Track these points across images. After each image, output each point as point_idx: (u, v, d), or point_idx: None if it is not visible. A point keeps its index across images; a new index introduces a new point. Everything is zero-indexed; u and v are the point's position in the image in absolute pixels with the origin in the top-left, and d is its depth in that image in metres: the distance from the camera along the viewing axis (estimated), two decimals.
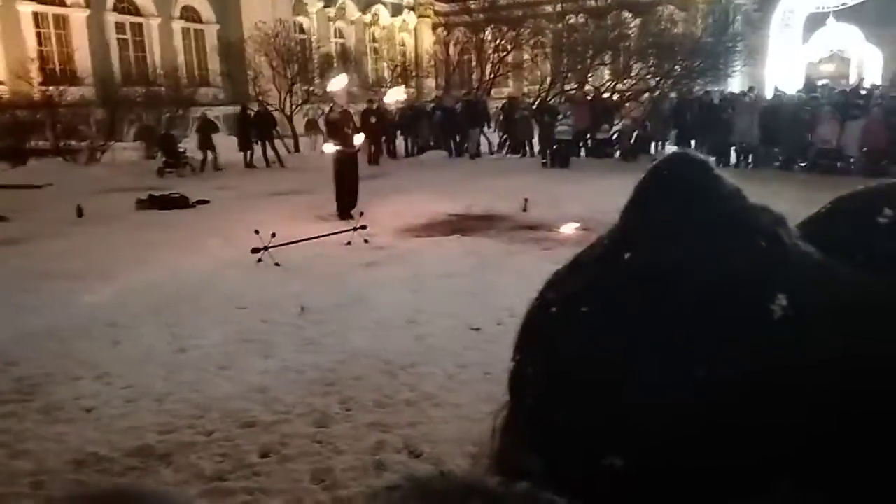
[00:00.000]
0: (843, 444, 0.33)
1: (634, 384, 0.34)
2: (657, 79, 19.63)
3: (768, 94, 16.58)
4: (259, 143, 17.16)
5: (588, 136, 16.75)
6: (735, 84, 20.71)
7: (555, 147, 15.70)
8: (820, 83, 18.85)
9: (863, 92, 15.29)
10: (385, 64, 26.83)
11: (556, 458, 0.36)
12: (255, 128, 17.19)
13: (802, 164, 13.69)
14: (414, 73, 26.36)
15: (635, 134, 16.37)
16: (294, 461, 3.18)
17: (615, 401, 0.34)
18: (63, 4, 20.37)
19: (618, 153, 15.79)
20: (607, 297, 0.37)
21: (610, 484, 0.34)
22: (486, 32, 24.61)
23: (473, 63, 25.66)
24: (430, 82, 27.52)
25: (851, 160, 12.90)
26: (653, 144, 16.22)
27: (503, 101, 19.62)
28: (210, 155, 16.12)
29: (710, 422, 0.33)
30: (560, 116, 16.05)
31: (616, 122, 17.09)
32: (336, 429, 3.51)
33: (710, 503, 0.33)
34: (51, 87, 17.75)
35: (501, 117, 18.65)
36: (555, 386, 0.37)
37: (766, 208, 0.41)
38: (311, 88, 20.59)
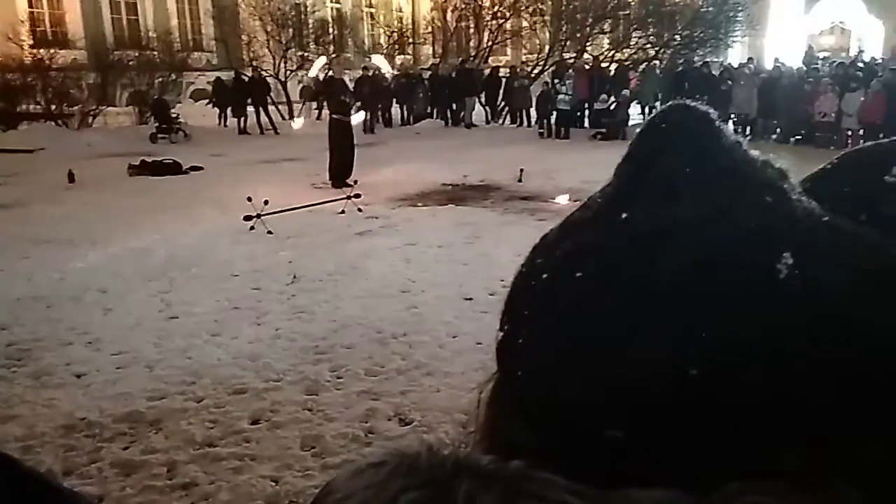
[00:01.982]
0: (854, 414, 0.31)
1: (635, 351, 0.32)
2: (657, 48, 19.42)
3: (768, 65, 16.43)
4: (253, 109, 17.04)
5: (587, 106, 16.61)
6: (735, 55, 20.52)
7: (554, 117, 15.57)
8: (821, 55, 18.69)
9: (860, 64, 15.15)
10: (381, 30, 26.45)
11: (550, 432, 0.34)
12: (249, 94, 17.05)
13: (799, 137, 13.63)
14: (411, 40, 25.99)
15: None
16: (284, 428, 3.19)
17: (615, 370, 0.32)
18: None
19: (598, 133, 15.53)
20: (603, 259, 0.35)
21: (610, 458, 0.32)
22: None
23: (471, 30, 25.29)
24: (427, 49, 27.16)
25: (849, 133, 12.84)
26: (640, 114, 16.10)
27: (500, 69, 19.39)
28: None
29: (714, 388, 0.31)
30: (559, 85, 15.89)
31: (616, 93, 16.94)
32: (326, 396, 3.52)
33: (714, 478, 0.31)
34: (42, 50, 17.47)
35: (503, 87, 18.42)
36: (549, 356, 0.34)
37: (768, 162, 0.39)
38: (306, 54, 20.29)
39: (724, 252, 0.33)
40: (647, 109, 15.88)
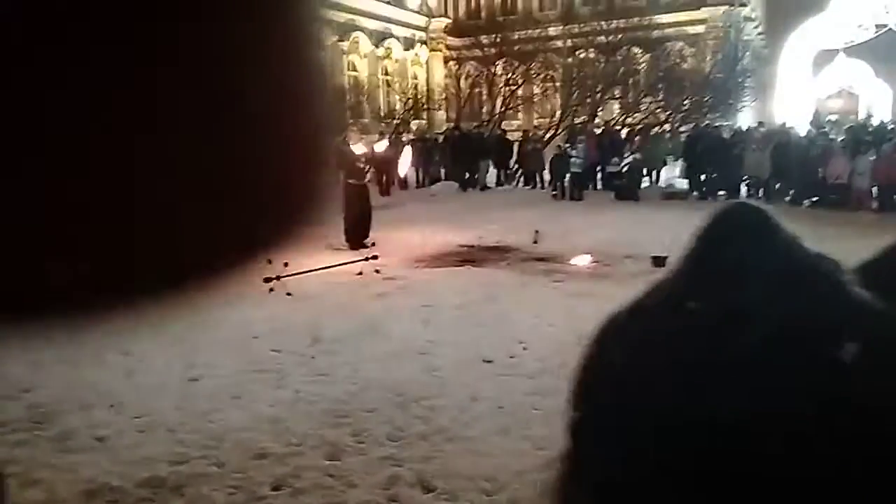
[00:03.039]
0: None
1: (708, 433, 0.34)
2: (667, 112, 19.78)
3: (777, 129, 16.68)
4: None
5: (599, 168, 16.84)
6: (744, 119, 20.83)
7: (567, 180, 15.78)
8: (829, 118, 18.94)
9: (870, 129, 15.34)
10: (397, 97, 27.15)
11: None
12: None
13: (813, 200, 13.69)
14: (426, 106, 26.62)
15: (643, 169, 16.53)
16: (306, 494, 3.15)
17: (697, 452, 0.34)
18: None
19: (613, 193, 15.78)
20: (675, 347, 0.38)
21: None
22: (497, 66, 24.93)
23: (484, 96, 25.92)
24: (442, 115, 27.80)
25: (861, 196, 12.90)
26: (647, 177, 16.36)
27: (513, 133, 19.78)
28: None
29: (786, 461, 0.33)
30: (570, 149, 16.17)
31: (626, 155, 17.20)
32: (349, 462, 3.48)
33: None
34: None
35: (517, 150, 18.78)
36: (626, 439, 0.37)
37: (822, 255, 0.42)
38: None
39: (787, 338, 0.36)
40: (654, 173, 16.09)
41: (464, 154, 18.67)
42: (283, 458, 3.49)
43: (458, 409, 4.12)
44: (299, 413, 4.07)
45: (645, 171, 16.30)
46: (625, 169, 16.55)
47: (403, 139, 19.05)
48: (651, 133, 18.36)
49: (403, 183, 18.67)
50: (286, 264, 6.98)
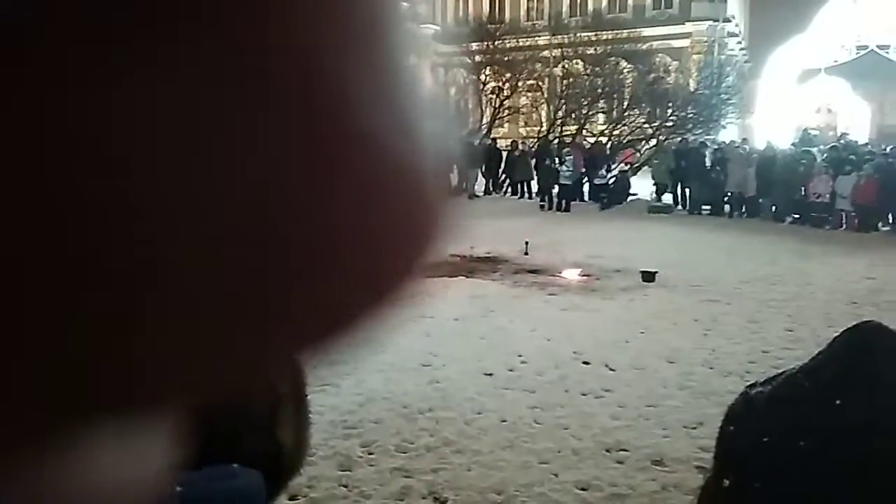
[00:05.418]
0: None
1: None
2: (653, 127, 20.10)
3: (759, 145, 17.03)
4: None
5: (586, 180, 17.08)
6: (728, 134, 21.23)
7: (556, 191, 15.99)
8: (812, 133, 19.35)
9: (847, 148, 15.73)
10: None
11: None
12: None
13: (796, 217, 14.02)
14: None
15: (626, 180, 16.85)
16: None
17: None
18: None
19: (599, 204, 16.14)
20: (824, 436, 0.49)
21: None
22: (485, 75, 25.10)
23: (471, 106, 26.10)
24: None
25: (843, 214, 13.25)
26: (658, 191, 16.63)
27: (500, 142, 19.98)
28: None
29: None
30: (559, 161, 16.39)
31: (613, 167, 17.47)
32: (360, 472, 3.58)
33: None
34: None
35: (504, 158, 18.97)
36: None
37: None
38: None
39: None
40: (658, 188, 16.32)
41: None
42: None
43: (463, 421, 4.23)
44: None
45: (657, 190, 16.67)
46: (612, 182, 16.81)
47: None
48: (654, 145, 18.60)
49: None
50: None
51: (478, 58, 26.74)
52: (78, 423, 0.13)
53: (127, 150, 0.11)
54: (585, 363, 5.31)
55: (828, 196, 13.32)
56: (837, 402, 0.50)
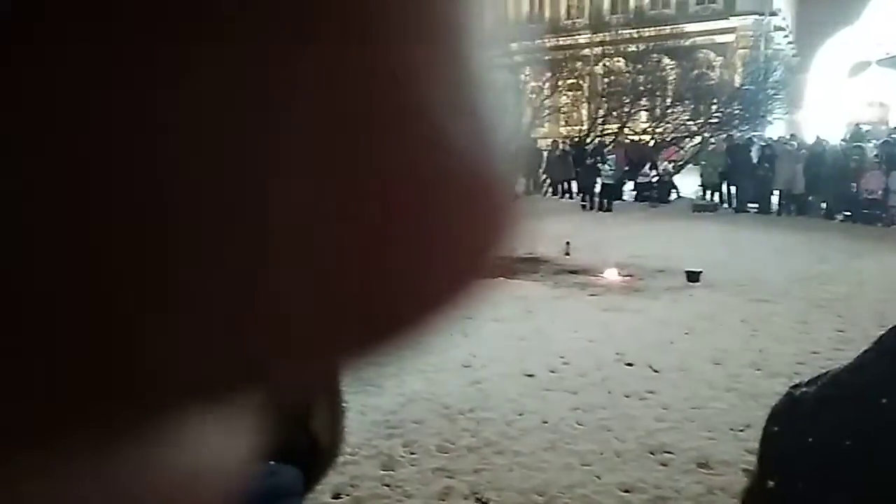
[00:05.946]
0: None
1: None
2: (698, 123, 19.74)
3: (809, 140, 16.57)
4: None
5: (629, 180, 16.88)
6: (776, 130, 20.71)
7: (598, 190, 15.85)
8: (864, 128, 18.72)
9: None
10: None
11: None
12: None
13: (847, 214, 13.61)
14: None
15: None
16: (366, 503, 3.28)
17: None
18: None
19: (642, 203, 15.98)
20: (869, 437, 0.49)
21: None
22: (525, 75, 25.01)
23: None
24: None
25: None
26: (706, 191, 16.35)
27: (540, 141, 19.87)
28: None
29: None
30: (600, 160, 16.23)
31: (660, 166, 17.23)
32: (402, 472, 3.61)
33: None
34: None
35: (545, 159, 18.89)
36: None
37: None
38: None
39: None
40: (705, 187, 16.01)
41: None
42: (340, 467, 3.62)
43: (504, 422, 4.23)
44: (351, 423, 4.20)
45: (703, 189, 16.40)
46: (654, 180, 16.57)
47: None
48: (705, 146, 18.24)
49: None
50: None
51: (517, 58, 26.64)
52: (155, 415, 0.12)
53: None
54: (628, 364, 5.25)
55: (880, 192, 12.89)
56: (884, 400, 0.49)
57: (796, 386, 0.57)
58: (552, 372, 5.11)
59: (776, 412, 0.57)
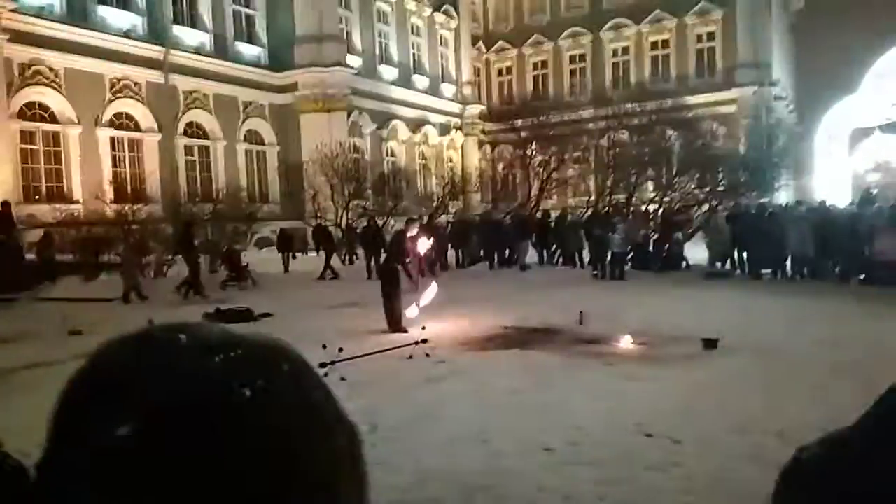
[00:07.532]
0: None
1: None
2: (705, 191, 19.93)
3: (816, 205, 16.62)
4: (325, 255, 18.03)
5: (640, 248, 16.92)
6: (783, 196, 20.84)
7: (609, 259, 15.87)
8: (873, 191, 18.78)
9: None
10: (435, 180, 27.88)
11: None
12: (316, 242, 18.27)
13: (861, 278, 13.50)
14: (462, 189, 27.27)
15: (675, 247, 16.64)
16: None
17: None
18: (138, 129, 22.03)
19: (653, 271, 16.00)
20: (873, 499, 0.49)
21: None
22: (532, 149, 25.54)
23: (518, 179, 26.48)
24: (478, 196, 28.40)
25: None
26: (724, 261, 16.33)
27: (552, 213, 20.08)
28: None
29: None
30: (610, 229, 16.33)
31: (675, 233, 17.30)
32: None
33: None
34: (123, 205, 18.84)
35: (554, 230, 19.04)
36: None
37: None
38: (366, 204, 21.51)
39: None
40: (718, 258, 15.97)
41: (504, 235, 18.99)
42: None
43: (525, 500, 4.10)
44: None
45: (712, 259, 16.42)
46: (664, 249, 16.60)
47: (442, 220, 19.56)
48: (706, 213, 18.32)
49: (444, 264, 18.90)
50: (341, 349, 7.14)
51: (524, 133, 27.31)
52: None
53: None
54: (648, 435, 5.13)
55: (893, 254, 12.82)
56: (884, 464, 0.50)
57: (802, 449, 0.58)
58: (572, 444, 4.98)
59: (784, 475, 0.58)
